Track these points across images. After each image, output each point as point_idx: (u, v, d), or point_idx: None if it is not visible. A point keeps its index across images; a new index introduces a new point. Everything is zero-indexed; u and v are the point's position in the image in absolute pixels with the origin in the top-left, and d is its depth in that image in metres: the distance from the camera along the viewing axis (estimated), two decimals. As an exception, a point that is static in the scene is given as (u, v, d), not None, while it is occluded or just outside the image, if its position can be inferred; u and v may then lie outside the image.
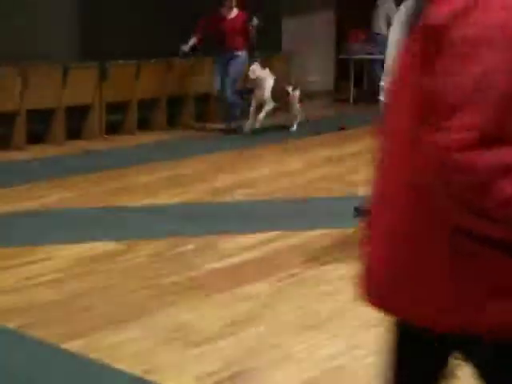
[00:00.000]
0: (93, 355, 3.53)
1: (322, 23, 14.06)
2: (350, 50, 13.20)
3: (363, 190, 6.73)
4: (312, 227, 5.66)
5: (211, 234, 5.47)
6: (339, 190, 6.95)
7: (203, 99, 10.69)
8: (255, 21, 9.84)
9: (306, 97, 12.42)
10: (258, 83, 9.65)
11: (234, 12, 9.90)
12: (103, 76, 9.32)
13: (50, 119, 8.98)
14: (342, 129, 10.01)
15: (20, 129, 8.64)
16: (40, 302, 4.20)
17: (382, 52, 12.68)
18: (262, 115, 9.65)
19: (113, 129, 9.63)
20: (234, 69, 9.82)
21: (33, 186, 6.96)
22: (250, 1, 11.86)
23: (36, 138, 8.91)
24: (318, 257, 5.01)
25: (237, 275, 4.64)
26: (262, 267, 4.79)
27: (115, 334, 3.78)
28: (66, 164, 8.10)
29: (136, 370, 3.39)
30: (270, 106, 9.73)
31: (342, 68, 13.90)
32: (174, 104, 10.23)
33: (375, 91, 13.42)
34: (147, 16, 10.13)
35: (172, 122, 10.28)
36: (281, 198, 6.65)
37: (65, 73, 8.94)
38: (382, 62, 14.82)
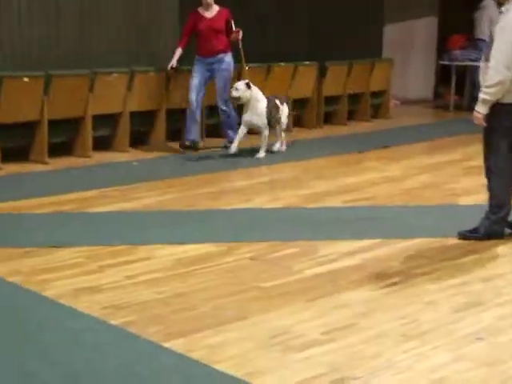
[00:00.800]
0: (192, 355, 3.56)
1: (424, 29, 13.86)
2: (451, 56, 12.89)
3: (463, 199, 6.64)
4: (412, 236, 5.58)
5: (311, 240, 5.46)
6: (438, 198, 6.83)
7: (301, 104, 10.70)
8: (240, 33, 8.71)
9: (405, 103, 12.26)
10: (245, 105, 8.39)
11: (215, 9, 8.79)
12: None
13: (152, 121, 9.16)
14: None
15: (123, 130, 8.84)
16: (140, 300, 4.26)
17: (485, 59, 12.39)
18: (263, 144, 8.48)
19: (212, 131, 9.72)
20: (220, 75, 8.78)
21: (134, 186, 7.09)
22: (355, 7, 11.86)
23: (138, 139, 9.10)
24: (417, 266, 4.93)
25: (337, 281, 4.61)
26: (362, 274, 4.74)
27: (215, 335, 3.80)
28: (166, 166, 8.23)
29: (236, 373, 3.40)
30: (266, 132, 8.51)
31: (443, 74, 13.65)
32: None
33: (475, 99, 13.06)
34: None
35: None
36: (380, 204, 6.58)
37: (168, 77, 9.11)
38: (485, 69, 14.22)
